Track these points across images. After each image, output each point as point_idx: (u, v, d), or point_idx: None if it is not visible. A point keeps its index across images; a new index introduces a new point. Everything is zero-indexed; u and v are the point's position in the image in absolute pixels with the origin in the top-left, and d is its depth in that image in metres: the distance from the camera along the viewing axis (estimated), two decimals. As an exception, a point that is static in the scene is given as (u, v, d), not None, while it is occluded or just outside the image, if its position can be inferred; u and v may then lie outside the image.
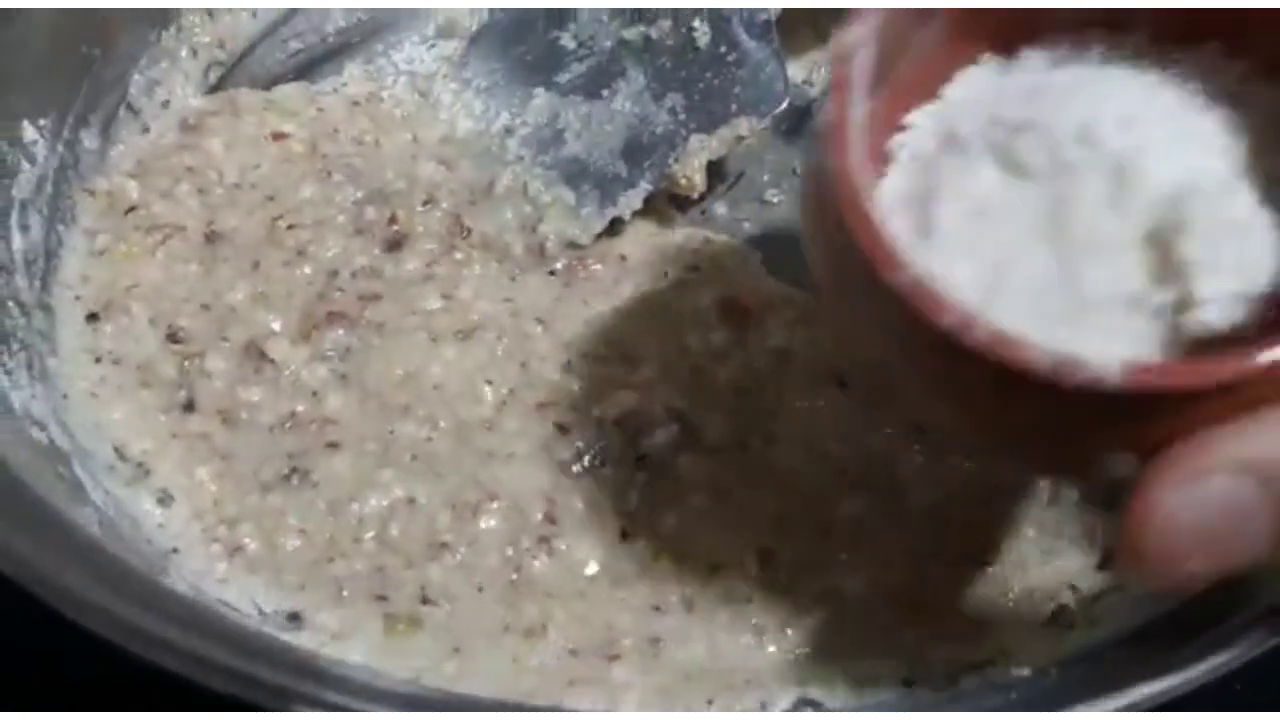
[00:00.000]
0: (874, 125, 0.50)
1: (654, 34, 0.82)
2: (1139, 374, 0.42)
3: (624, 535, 0.67)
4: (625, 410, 0.70)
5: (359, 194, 0.79)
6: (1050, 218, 0.48)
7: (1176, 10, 0.53)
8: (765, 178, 0.86)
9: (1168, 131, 0.50)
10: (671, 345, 0.73)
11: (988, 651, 0.64)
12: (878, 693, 0.62)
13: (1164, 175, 0.48)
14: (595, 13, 0.83)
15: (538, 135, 0.82)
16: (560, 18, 0.84)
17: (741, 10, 0.80)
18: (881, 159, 0.52)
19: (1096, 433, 0.44)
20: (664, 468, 0.69)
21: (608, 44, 0.83)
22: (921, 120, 0.54)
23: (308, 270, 0.75)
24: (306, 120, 0.82)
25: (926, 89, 0.54)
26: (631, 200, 0.79)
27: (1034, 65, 0.55)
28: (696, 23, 0.81)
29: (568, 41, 0.84)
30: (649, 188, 0.79)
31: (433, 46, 0.87)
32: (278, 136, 0.81)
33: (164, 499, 0.67)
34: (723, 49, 0.80)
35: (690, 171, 0.79)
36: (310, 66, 0.87)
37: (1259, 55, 0.52)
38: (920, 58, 0.53)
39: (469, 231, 0.78)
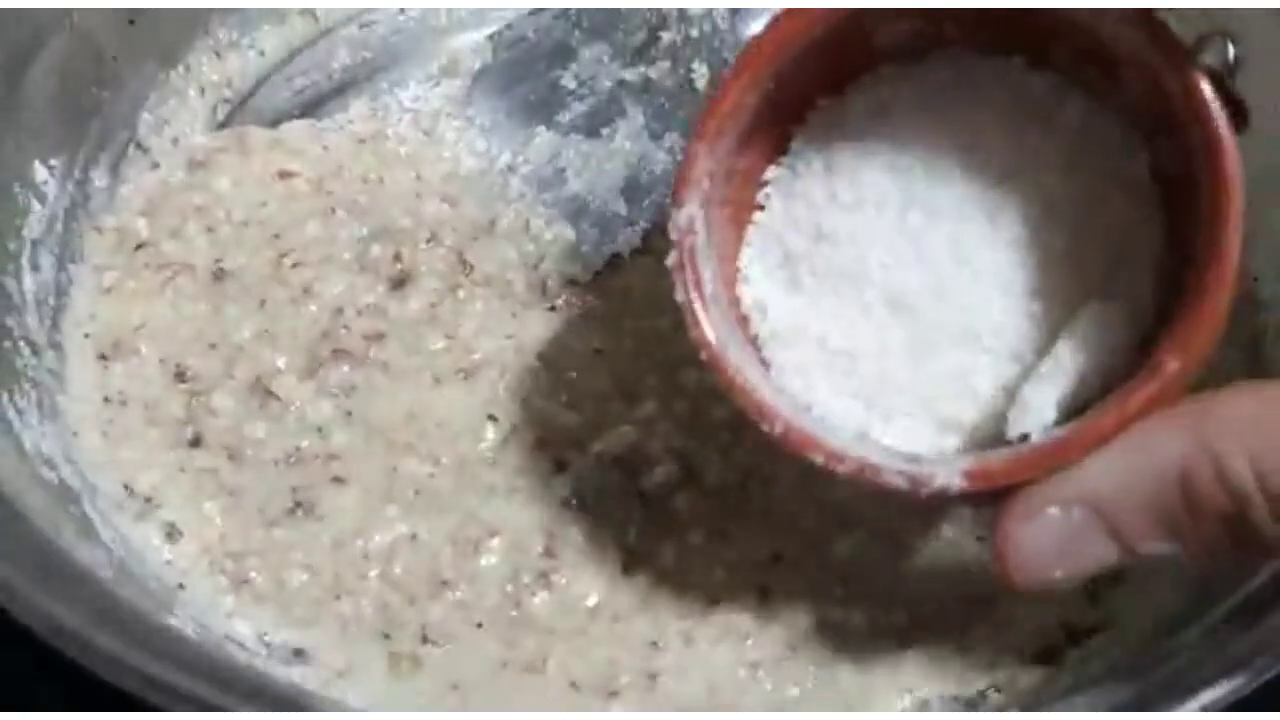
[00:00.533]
0: (724, 273, 0.61)
1: (653, 75, 0.84)
2: (978, 481, 0.52)
3: (624, 569, 0.68)
4: (625, 447, 0.71)
5: (364, 231, 0.80)
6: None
7: (984, 23, 0.57)
8: (762, 213, 0.87)
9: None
10: (670, 383, 0.74)
11: (981, 686, 0.65)
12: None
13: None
14: (596, 53, 0.85)
15: (539, 173, 0.83)
16: (561, 58, 0.86)
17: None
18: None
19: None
20: (663, 505, 0.70)
21: (608, 84, 0.85)
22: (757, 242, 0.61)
23: (313, 308, 0.76)
24: (313, 158, 0.84)
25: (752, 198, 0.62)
26: (631, 238, 0.80)
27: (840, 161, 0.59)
28: (695, 64, 0.83)
29: (568, 81, 0.85)
30: (648, 225, 0.80)
31: (436, 85, 0.88)
32: (284, 175, 0.82)
33: (171, 534, 0.68)
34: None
35: None
36: (316, 104, 0.89)
37: (1064, 65, 0.57)
38: (743, 174, 0.61)
39: (471, 268, 0.79)
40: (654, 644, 0.66)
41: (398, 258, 0.78)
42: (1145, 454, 0.46)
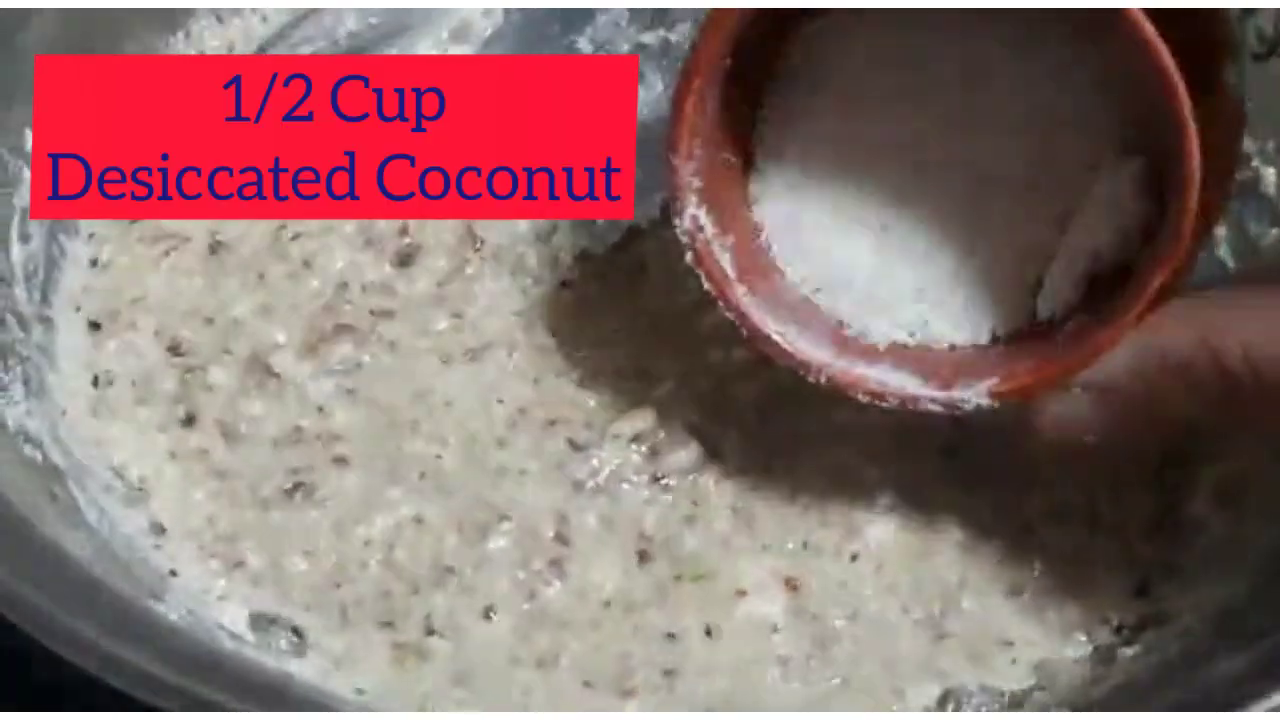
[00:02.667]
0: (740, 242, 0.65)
1: (673, 38, 0.80)
2: (1006, 397, 0.60)
3: (640, 558, 0.64)
4: (643, 428, 0.67)
5: (367, 207, 0.76)
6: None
7: None
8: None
9: None
10: (691, 361, 0.70)
11: (1023, 681, 0.61)
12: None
13: None
14: (613, 16, 0.81)
15: None
16: (577, 21, 0.82)
17: None
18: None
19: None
20: (683, 488, 0.66)
21: (625, 48, 0.81)
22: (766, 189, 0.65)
23: (315, 283, 0.73)
24: (316, 126, 0.80)
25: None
26: (648, 209, 0.76)
27: None
28: None
29: (584, 45, 0.81)
30: (666, 195, 0.76)
31: (446, 50, 0.84)
32: (285, 146, 0.78)
33: (161, 518, 0.64)
34: None
35: None
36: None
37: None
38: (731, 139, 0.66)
39: (481, 243, 0.75)
40: (672, 637, 0.62)
41: (404, 231, 0.75)
42: (1154, 351, 0.56)
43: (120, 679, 0.48)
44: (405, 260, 0.74)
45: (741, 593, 0.63)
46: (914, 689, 0.61)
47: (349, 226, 0.75)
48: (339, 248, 0.74)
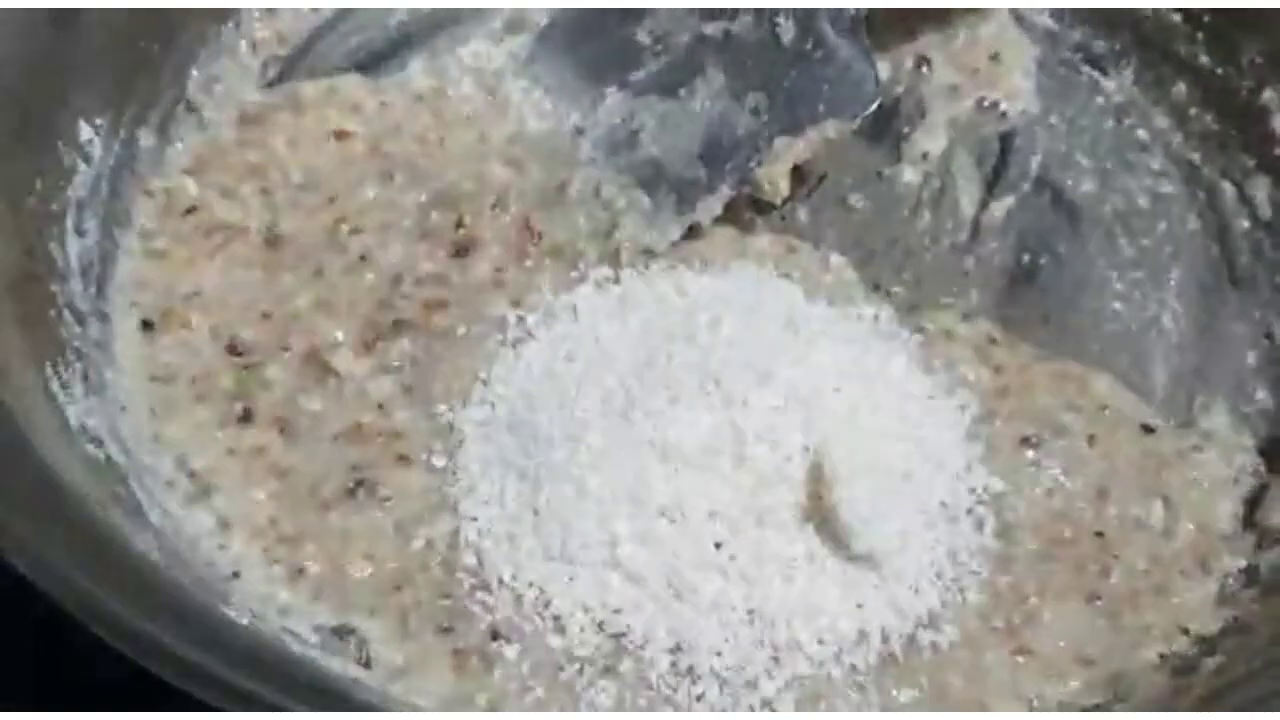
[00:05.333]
0: None
1: (735, 29, 0.78)
2: None
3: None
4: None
5: (424, 196, 0.75)
6: None
7: None
8: (848, 181, 0.81)
9: None
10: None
11: (1103, 694, 0.60)
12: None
13: None
14: (673, 7, 0.79)
15: (611, 136, 0.78)
16: (636, 12, 0.80)
17: (829, 7, 0.76)
18: None
19: None
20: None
21: (685, 39, 0.79)
22: None
23: (371, 277, 0.71)
24: (369, 117, 0.79)
25: None
26: (712, 205, 0.74)
27: None
28: (781, 18, 0.77)
29: (643, 37, 0.79)
30: (730, 192, 0.75)
31: (500, 41, 0.83)
32: (340, 135, 0.77)
33: (223, 519, 0.63)
34: (808, 46, 0.76)
35: (775, 176, 0.75)
36: (372, 62, 0.83)
37: None
38: None
39: (540, 237, 0.74)
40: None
41: (460, 224, 0.74)
42: None
43: (194, 684, 0.48)
44: (461, 251, 0.73)
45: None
46: (996, 705, 0.60)
47: (406, 220, 0.74)
48: (395, 241, 0.73)
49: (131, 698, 0.54)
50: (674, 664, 0.60)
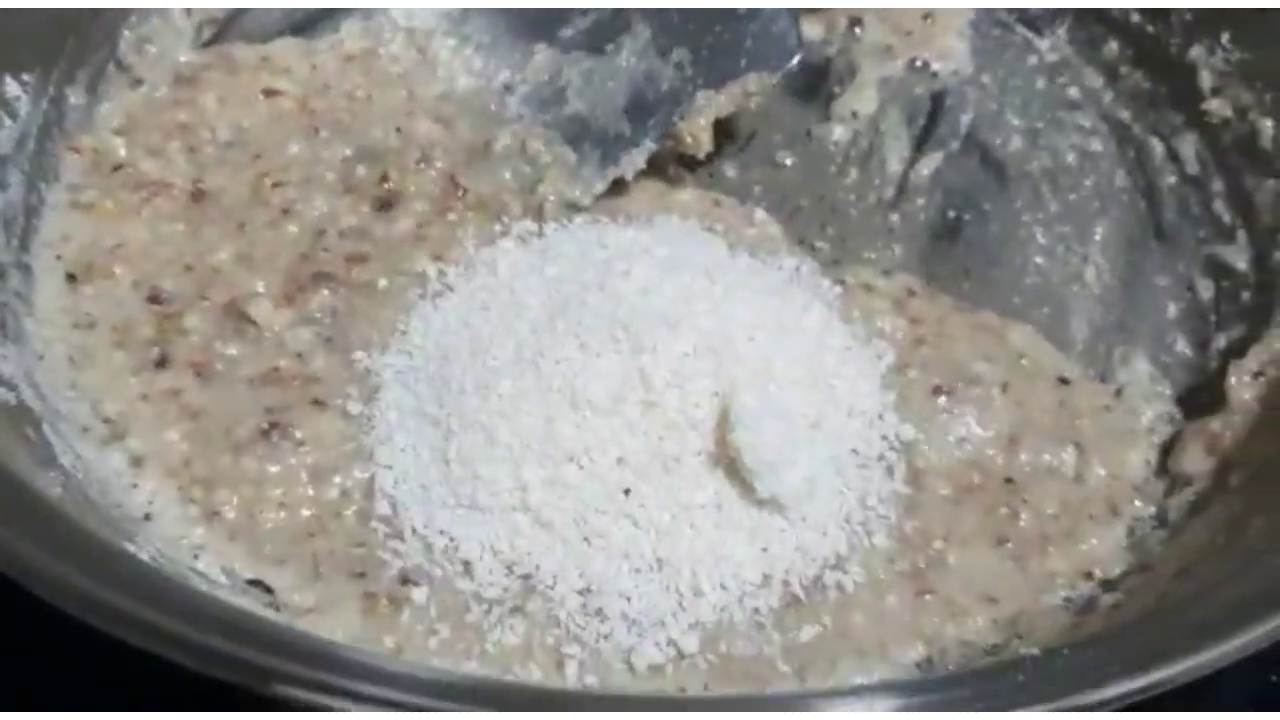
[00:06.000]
0: None
1: None
2: None
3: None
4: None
5: (348, 151, 0.76)
6: None
7: None
8: (777, 138, 0.82)
9: None
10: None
11: (1003, 633, 0.60)
12: (894, 671, 0.59)
13: None
14: None
15: (538, 93, 0.78)
16: None
17: None
18: None
19: None
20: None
21: None
22: None
23: (293, 229, 0.72)
24: (301, 78, 0.79)
25: None
26: (635, 159, 0.75)
27: None
28: None
29: None
30: (653, 146, 0.75)
31: (433, 1, 0.83)
32: (270, 93, 0.78)
33: (137, 460, 0.64)
34: (733, 2, 0.76)
35: (696, 130, 0.75)
36: (307, 24, 0.84)
37: None
38: None
39: (465, 191, 0.74)
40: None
41: (384, 179, 0.74)
42: None
43: (99, 619, 0.48)
44: (385, 205, 0.73)
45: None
46: (896, 643, 0.60)
47: (330, 174, 0.74)
48: (318, 195, 0.73)
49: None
50: (583, 605, 0.61)
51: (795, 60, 0.75)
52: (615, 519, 0.62)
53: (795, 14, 0.76)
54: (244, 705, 0.50)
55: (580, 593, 0.61)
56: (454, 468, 0.63)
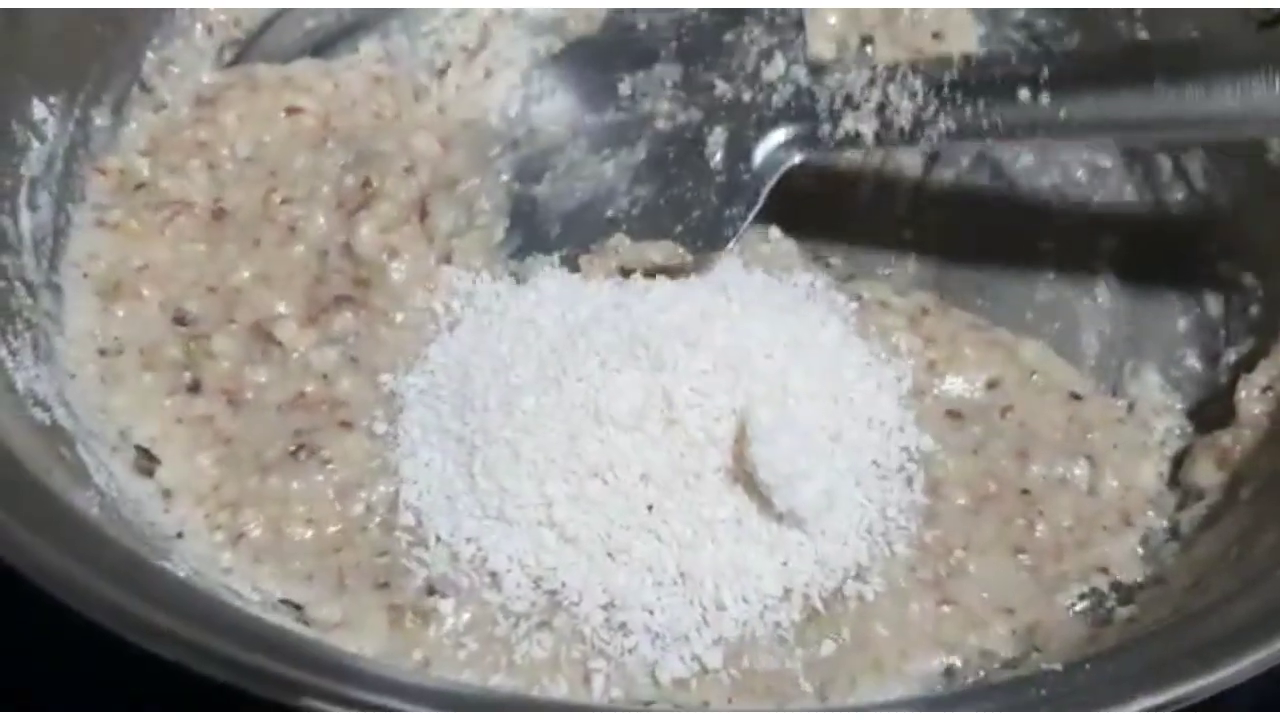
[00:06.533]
0: None
1: (669, 126, 0.78)
2: None
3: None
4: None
5: (348, 158, 0.77)
6: None
7: None
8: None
9: None
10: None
11: (1021, 645, 0.61)
12: (912, 686, 0.60)
13: None
14: (663, 74, 0.79)
15: (528, 164, 0.79)
16: (635, 63, 0.80)
17: (758, 149, 0.75)
18: None
19: None
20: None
21: (647, 109, 0.78)
22: None
23: (300, 249, 0.73)
24: (324, 96, 0.80)
25: None
26: (536, 264, 0.74)
27: None
28: (713, 130, 0.76)
29: (624, 88, 0.80)
30: (566, 255, 0.74)
31: (452, 30, 0.85)
32: (292, 111, 0.79)
33: (167, 488, 0.65)
34: (718, 173, 0.75)
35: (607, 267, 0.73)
36: (326, 44, 0.85)
37: None
38: None
39: (426, 214, 0.75)
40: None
41: (367, 183, 0.75)
42: None
43: (134, 633, 0.49)
44: (360, 207, 0.74)
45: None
46: (916, 654, 0.61)
47: (325, 187, 0.75)
48: (319, 210, 0.74)
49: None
50: (607, 619, 0.62)
51: (718, 251, 0.74)
52: (638, 534, 0.63)
53: (747, 217, 0.74)
54: (244, 705, 0.51)
55: (604, 607, 0.62)
56: (479, 480, 0.65)
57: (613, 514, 0.63)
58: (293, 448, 0.66)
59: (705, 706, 0.59)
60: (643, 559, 0.63)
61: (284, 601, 0.62)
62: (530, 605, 0.62)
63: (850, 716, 0.57)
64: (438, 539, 0.64)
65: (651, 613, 0.62)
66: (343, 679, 0.50)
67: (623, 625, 0.62)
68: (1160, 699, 0.46)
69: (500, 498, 0.64)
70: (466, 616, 0.62)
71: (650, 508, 0.64)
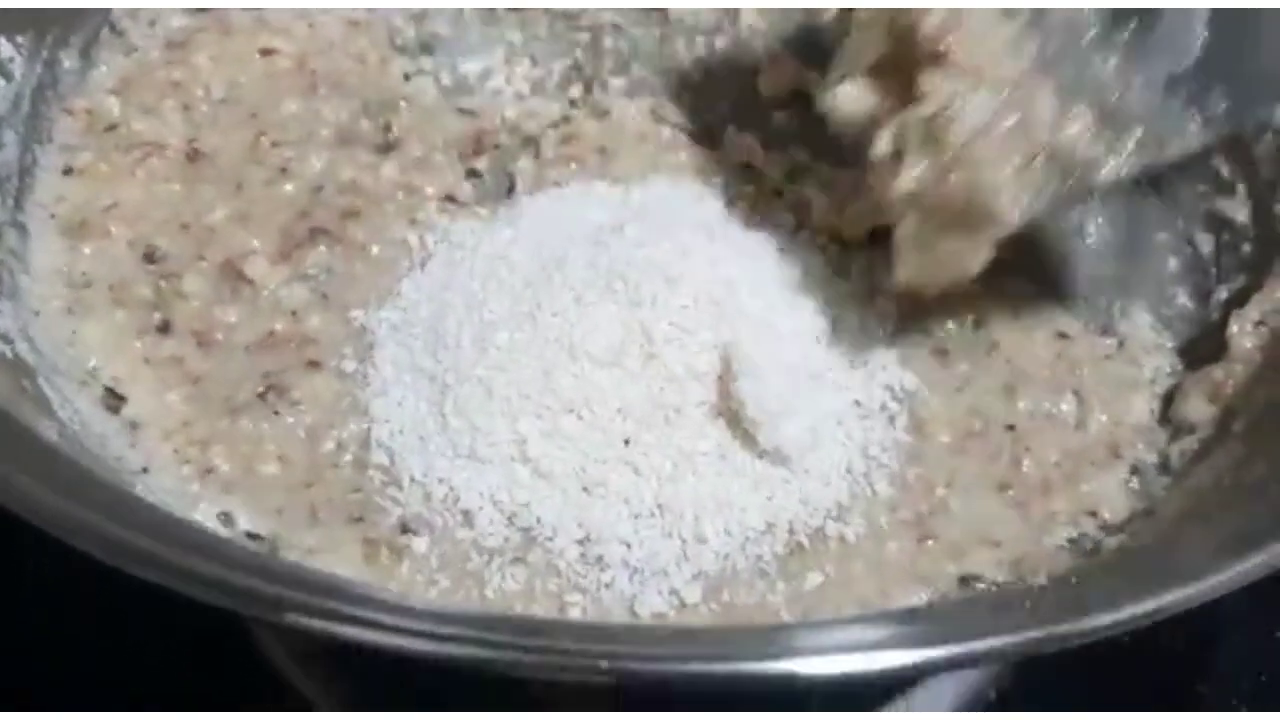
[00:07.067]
0: None
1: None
2: None
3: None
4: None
5: (354, 106, 0.76)
6: None
7: None
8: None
9: None
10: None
11: (1007, 575, 0.60)
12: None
13: None
14: None
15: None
16: None
17: None
18: None
19: None
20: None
21: None
22: None
23: (289, 188, 0.72)
24: (299, 37, 0.79)
25: None
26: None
27: None
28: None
29: None
30: None
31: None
32: (266, 52, 0.77)
33: (135, 421, 0.63)
34: None
35: None
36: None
37: None
38: None
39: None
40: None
41: (389, 127, 0.75)
42: None
43: (102, 552, 0.48)
44: (385, 150, 0.74)
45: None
46: (899, 587, 0.60)
47: (325, 131, 0.74)
48: (315, 152, 0.73)
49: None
50: (583, 554, 0.61)
51: None
52: (615, 467, 0.62)
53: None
54: (245, 705, 0.49)
55: (580, 542, 0.61)
56: (451, 420, 0.63)
57: (588, 449, 0.62)
58: (261, 389, 0.65)
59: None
60: (619, 492, 0.61)
61: (251, 536, 0.60)
62: (504, 541, 0.61)
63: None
64: (411, 479, 0.62)
65: (629, 546, 0.60)
66: (324, 594, 0.48)
67: (599, 559, 0.60)
68: (1150, 606, 0.45)
69: (472, 436, 0.62)
70: (439, 553, 0.60)
71: (627, 442, 0.62)
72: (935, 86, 0.60)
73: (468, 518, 0.61)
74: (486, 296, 0.66)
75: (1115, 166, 0.63)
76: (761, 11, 0.83)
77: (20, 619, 0.67)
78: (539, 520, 0.61)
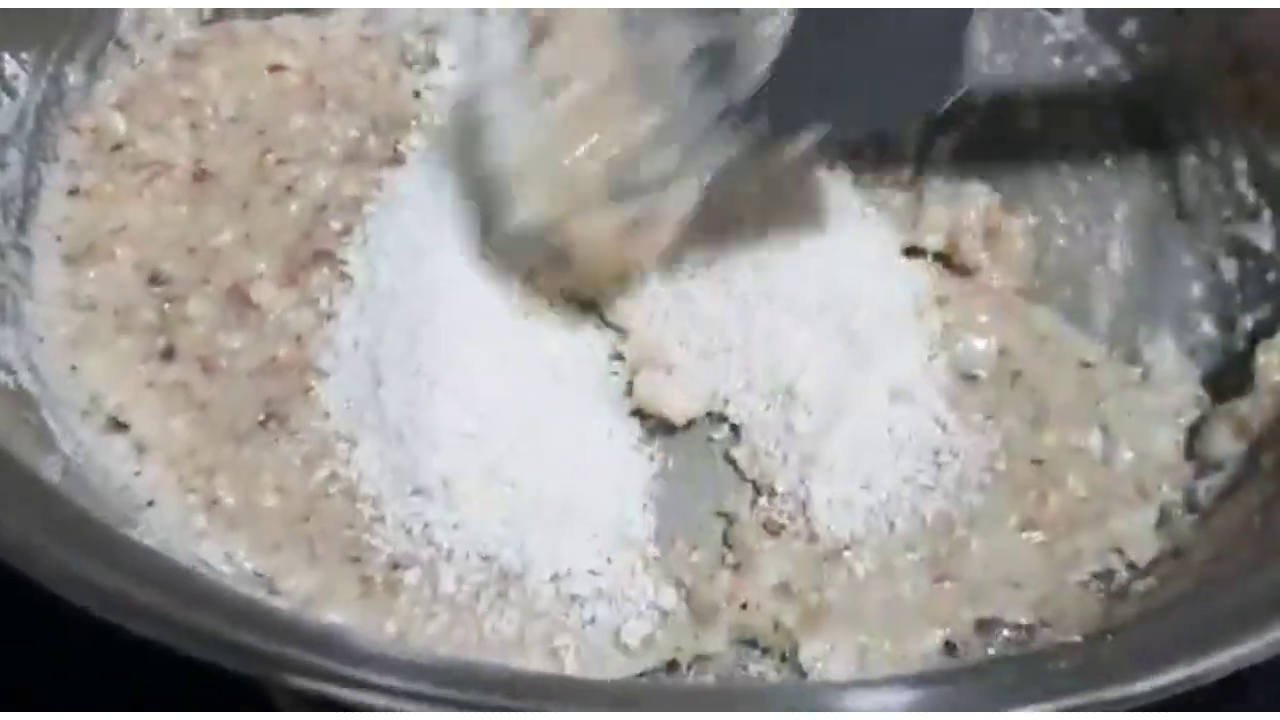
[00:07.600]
0: None
1: None
2: None
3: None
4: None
5: (362, 123, 0.74)
6: None
7: None
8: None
9: None
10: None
11: (1028, 617, 0.59)
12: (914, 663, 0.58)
13: None
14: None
15: None
16: None
17: None
18: None
19: None
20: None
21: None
22: None
23: (294, 208, 0.70)
24: (309, 52, 0.77)
25: None
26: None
27: None
28: None
29: None
30: None
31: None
32: (275, 69, 0.76)
33: (140, 448, 0.62)
34: None
35: None
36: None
37: None
38: None
39: None
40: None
41: (397, 144, 0.73)
42: None
43: (99, 604, 0.47)
44: (394, 164, 0.72)
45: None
46: (913, 629, 0.59)
47: (333, 147, 0.73)
48: (321, 170, 0.72)
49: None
50: (557, 591, 0.60)
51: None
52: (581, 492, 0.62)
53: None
54: (245, 705, 0.48)
55: (551, 580, 0.60)
56: (410, 447, 0.62)
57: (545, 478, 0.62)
58: (262, 417, 0.64)
59: (678, 652, 0.58)
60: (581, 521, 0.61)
61: (256, 574, 0.59)
62: (486, 576, 0.60)
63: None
64: (393, 515, 0.61)
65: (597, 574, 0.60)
66: (321, 651, 0.47)
67: (574, 597, 0.60)
68: (1195, 670, 0.43)
69: (428, 473, 0.62)
70: (431, 585, 0.60)
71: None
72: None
73: (449, 555, 0.61)
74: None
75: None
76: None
77: (20, 619, 0.66)
78: (508, 561, 0.60)
